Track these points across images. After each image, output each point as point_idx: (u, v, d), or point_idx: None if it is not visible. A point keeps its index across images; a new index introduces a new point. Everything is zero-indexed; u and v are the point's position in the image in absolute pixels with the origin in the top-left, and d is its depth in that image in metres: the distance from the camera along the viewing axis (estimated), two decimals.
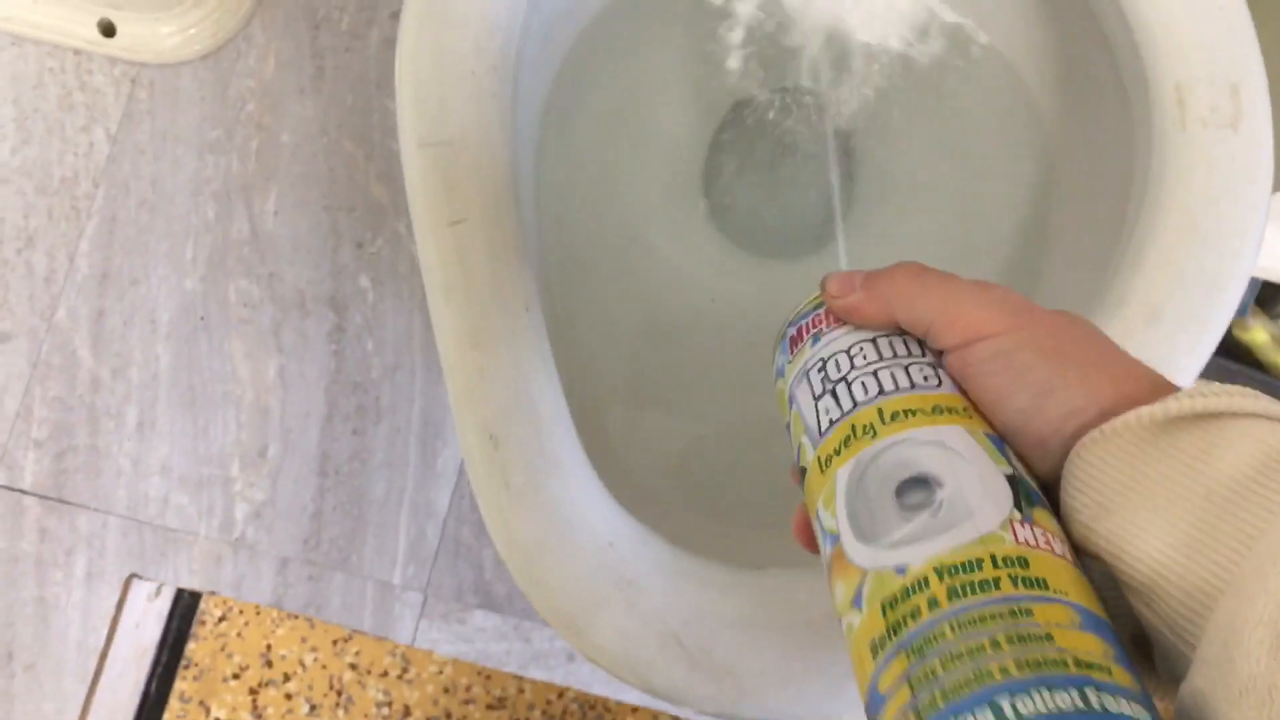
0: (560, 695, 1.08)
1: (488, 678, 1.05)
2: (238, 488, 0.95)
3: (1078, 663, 0.26)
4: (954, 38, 0.70)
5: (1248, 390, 0.29)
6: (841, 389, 0.34)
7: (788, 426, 0.38)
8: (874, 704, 0.28)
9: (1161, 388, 0.31)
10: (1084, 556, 0.30)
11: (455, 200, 0.53)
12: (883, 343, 0.35)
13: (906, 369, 0.34)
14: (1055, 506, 0.31)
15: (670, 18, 0.70)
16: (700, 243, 0.69)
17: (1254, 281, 0.98)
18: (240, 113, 0.99)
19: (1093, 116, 0.64)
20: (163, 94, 0.99)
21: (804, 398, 0.36)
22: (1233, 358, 1.07)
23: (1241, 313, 1.00)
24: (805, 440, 0.35)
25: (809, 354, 0.37)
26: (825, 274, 0.38)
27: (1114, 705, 0.25)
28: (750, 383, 0.66)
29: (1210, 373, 1.10)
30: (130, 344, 0.96)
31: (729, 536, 0.62)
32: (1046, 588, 0.27)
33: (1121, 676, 0.26)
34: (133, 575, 0.94)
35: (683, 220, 0.69)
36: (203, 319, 0.97)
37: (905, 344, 0.35)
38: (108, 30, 0.96)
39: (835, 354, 0.36)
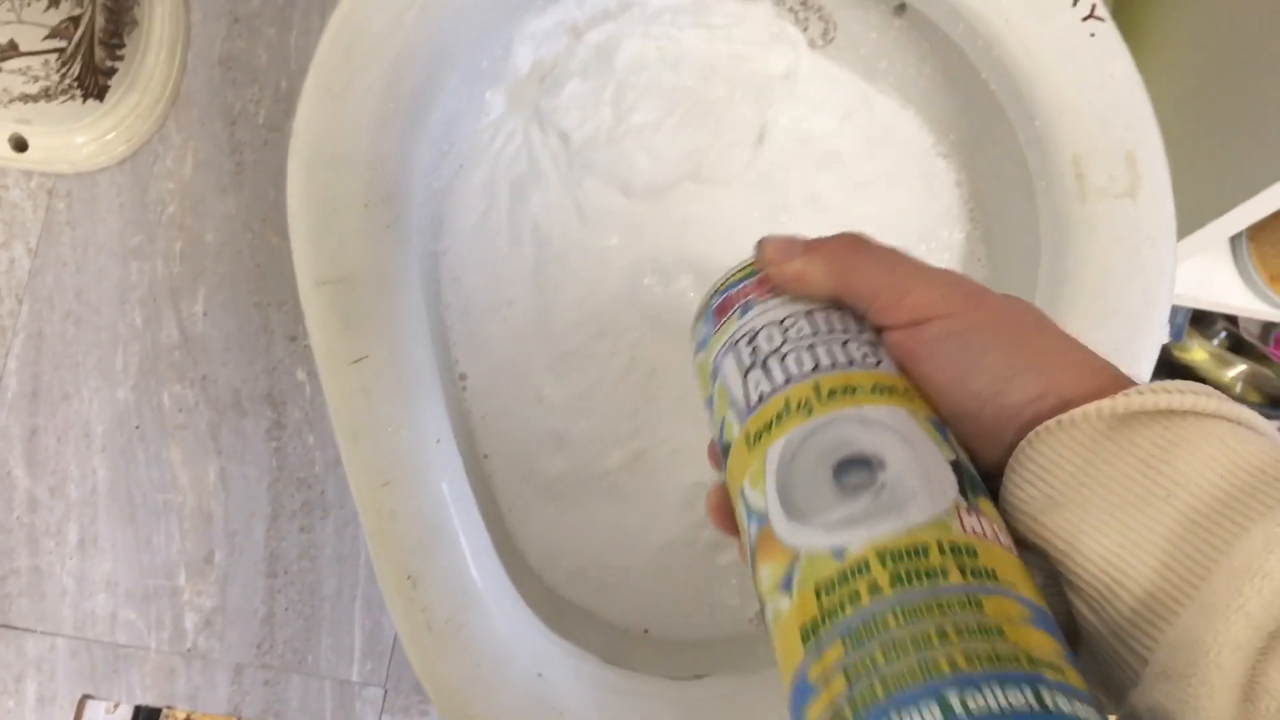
0: None
1: None
2: (186, 597, 0.94)
3: (1030, 659, 0.24)
4: (885, 118, 0.70)
5: (1208, 389, 0.28)
6: (774, 362, 0.32)
7: (709, 401, 0.36)
8: (800, 695, 0.26)
9: (1121, 381, 0.30)
10: (1025, 551, 0.29)
11: (356, 337, 0.52)
12: (819, 316, 0.34)
13: (845, 344, 0.32)
14: (994, 499, 0.30)
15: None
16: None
17: (1186, 308, 0.99)
18: (161, 215, 0.98)
19: (1004, 189, 0.64)
20: (81, 203, 0.98)
21: (731, 370, 0.34)
22: (1177, 378, 1.07)
23: (1177, 336, 1.00)
24: (731, 415, 0.33)
25: (737, 325, 0.35)
26: (762, 236, 0.37)
27: (1068, 706, 0.23)
28: (677, 493, 0.65)
29: None
30: (66, 460, 0.95)
31: (664, 645, 0.62)
32: (996, 579, 0.26)
33: (1073, 677, 0.25)
34: (85, 696, 0.93)
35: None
36: (138, 428, 0.95)
37: (843, 319, 0.34)
38: (19, 145, 0.95)
39: (767, 325, 0.34)
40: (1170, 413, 0.27)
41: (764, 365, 0.33)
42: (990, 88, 0.59)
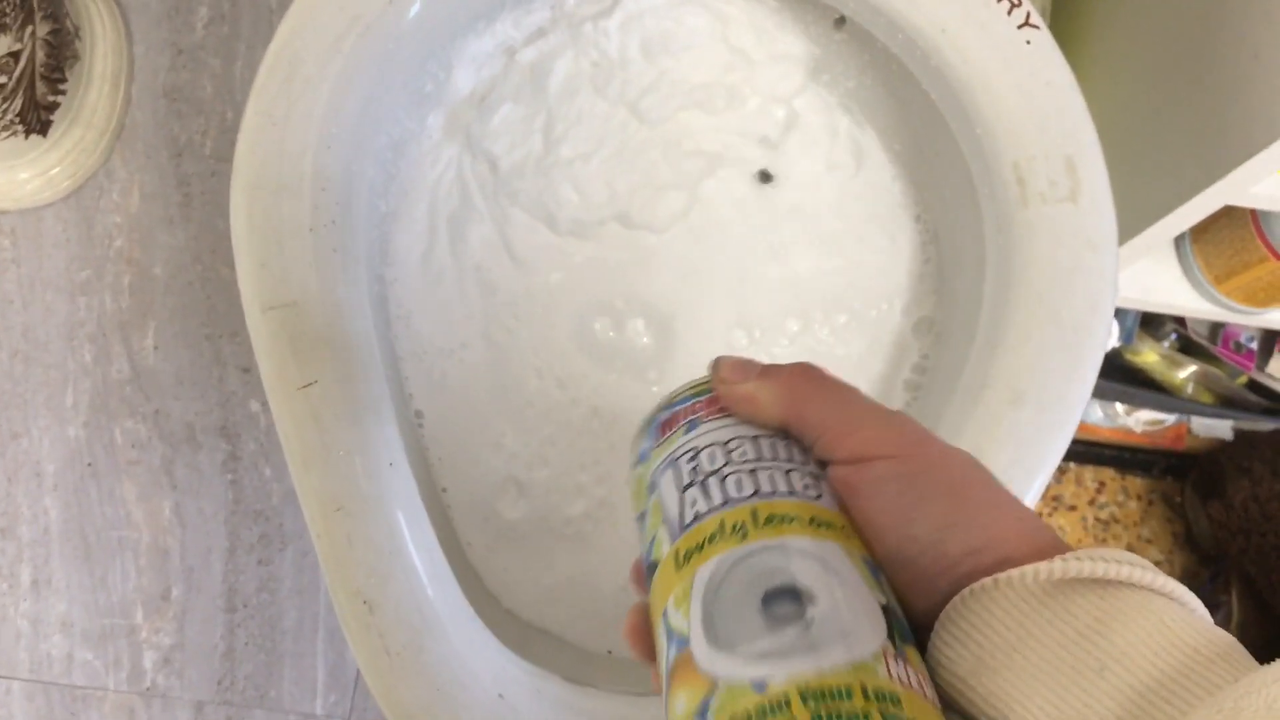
0: None
1: None
2: (143, 635, 0.93)
3: None
4: (847, 135, 0.70)
5: (1144, 561, 0.28)
6: (713, 482, 0.31)
7: (642, 516, 0.34)
8: None
9: (1059, 544, 0.29)
10: (949, 712, 0.28)
11: (304, 363, 0.52)
12: (764, 442, 0.33)
13: (788, 474, 0.32)
14: (920, 649, 0.29)
15: None
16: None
17: (1135, 311, 1.00)
18: (109, 250, 0.97)
19: (950, 198, 0.65)
20: (26, 240, 0.97)
21: (668, 486, 0.33)
22: (1130, 381, 1.09)
23: (1128, 339, 1.01)
24: (663, 532, 0.32)
25: (680, 441, 0.34)
26: (718, 355, 0.36)
27: None
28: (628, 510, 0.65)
29: (1110, 397, 1.12)
30: (17, 501, 0.94)
31: (628, 664, 0.61)
32: None
33: None
34: None
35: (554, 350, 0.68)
36: (90, 465, 0.94)
37: (788, 448, 0.33)
38: None
39: (710, 445, 0.33)
40: (1106, 582, 0.27)
41: (703, 484, 0.32)
42: (930, 97, 0.60)
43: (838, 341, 0.68)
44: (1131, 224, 0.71)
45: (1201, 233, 0.83)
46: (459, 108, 0.67)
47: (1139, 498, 1.24)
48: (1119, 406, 1.18)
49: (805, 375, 0.34)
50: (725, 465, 0.32)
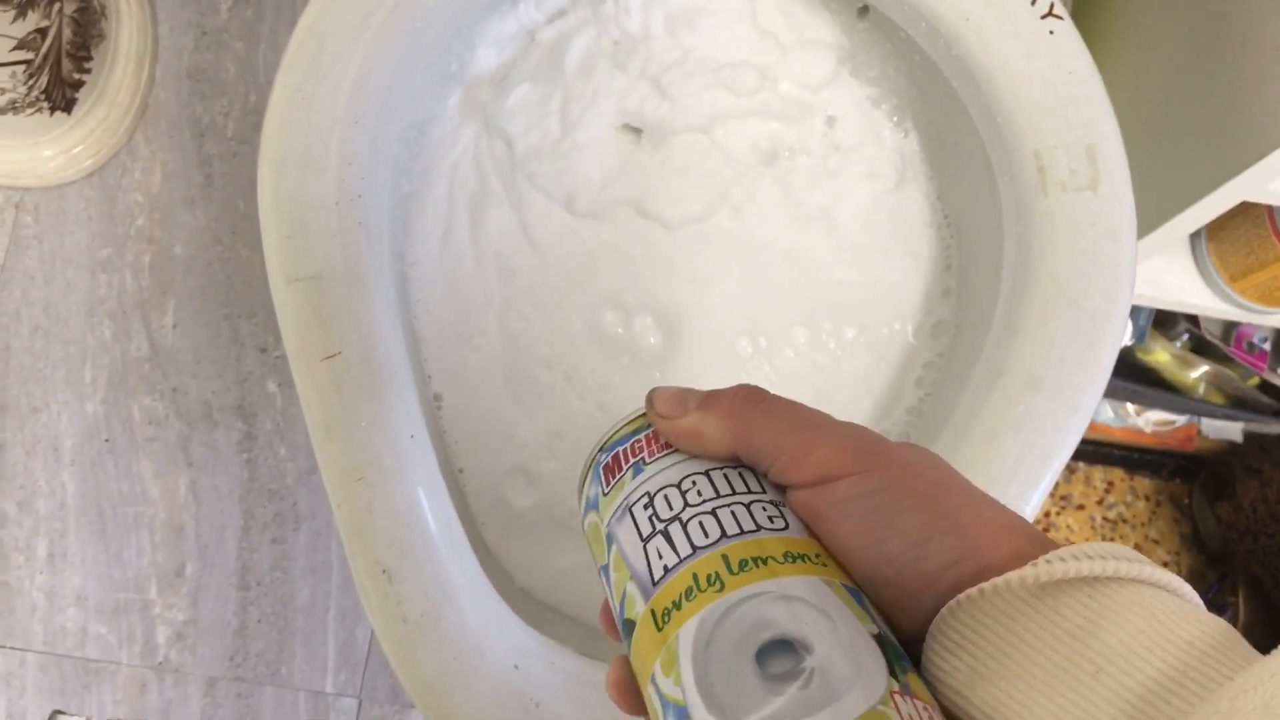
0: None
1: None
2: (157, 610, 0.94)
3: None
4: (868, 117, 0.69)
5: (1130, 552, 0.27)
6: (676, 530, 0.30)
7: (604, 570, 0.33)
8: None
9: (1038, 541, 0.28)
10: None
11: (328, 334, 0.52)
12: (717, 476, 0.31)
13: (749, 508, 0.30)
14: (914, 662, 0.28)
15: None
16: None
17: (1149, 310, 1.00)
18: (130, 228, 0.98)
19: (970, 188, 0.66)
20: (49, 217, 0.97)
21: (628, 538, 0.31)
22: (1140, 380, 1.09)
23: (1140, 338, 1.02)
24: (633, 588, 0.30)
25: (630, 486, 0.33)
26: (652, 388, 0.35)
27: None
28: None
29: (1121, 396, 1.13)
30: (34, 474, 0.94)
31: None
32: None
33: None
34: (56, 712, 0.92)
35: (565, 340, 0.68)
36: (107, 441, 0.95)
37: (743, 478, 0.32)
38: None
39: (664, 488, 0.32)
40: (1094, 579, 0.27)
41: (665, 534, 0.30)
42: (952, 85, 0.60)
43: (845, 355, 0.68)
44: (1147, 220, 0.71)
45: (1217, 230, 0.83)
46: (477, 89, 0.67)
47: (1147, 498, 1.24)
48: (1129, 406, 1.18)
49: (747, 400, 0.32)
50: (684, 508, 0.31)
